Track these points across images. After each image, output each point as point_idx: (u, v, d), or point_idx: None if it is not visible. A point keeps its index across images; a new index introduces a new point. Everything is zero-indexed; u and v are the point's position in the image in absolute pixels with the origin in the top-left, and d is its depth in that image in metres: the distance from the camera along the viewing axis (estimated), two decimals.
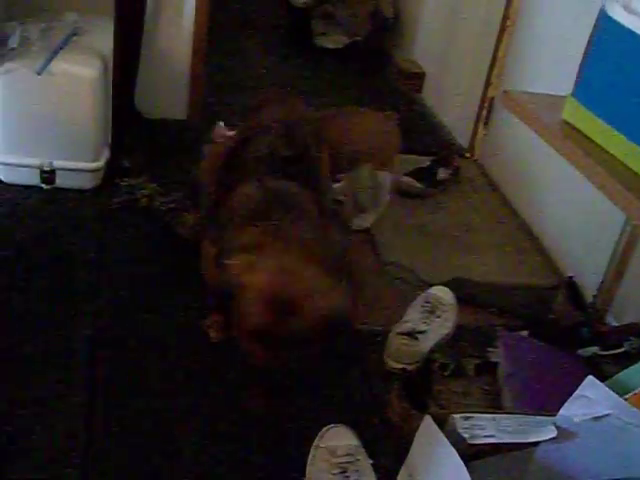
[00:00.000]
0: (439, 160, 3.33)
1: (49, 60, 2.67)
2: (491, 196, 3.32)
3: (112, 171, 2.97)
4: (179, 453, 1.92)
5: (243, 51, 4.62)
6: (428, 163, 3.32)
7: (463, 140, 3.75)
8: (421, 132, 3.91)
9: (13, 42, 2.71)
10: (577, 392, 1.67)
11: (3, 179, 2.86)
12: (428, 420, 1.68)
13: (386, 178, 2.83)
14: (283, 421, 2.06)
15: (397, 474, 1.80)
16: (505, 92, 1.85)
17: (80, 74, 2.73)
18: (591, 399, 1.64)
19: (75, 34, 2.90)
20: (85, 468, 1.84)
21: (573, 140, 1.65)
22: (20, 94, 2.72)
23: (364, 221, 2.88)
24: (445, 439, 1.60)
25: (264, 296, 1.87)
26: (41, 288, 2.40)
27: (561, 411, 1.68)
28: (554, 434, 1.66)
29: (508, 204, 3.25)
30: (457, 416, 1.68)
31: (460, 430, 1.67)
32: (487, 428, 1.69)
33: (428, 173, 3.27)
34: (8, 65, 2.68)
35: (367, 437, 1.97)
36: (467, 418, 1.69)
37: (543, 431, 1.67)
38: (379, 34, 4.83)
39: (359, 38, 4.87)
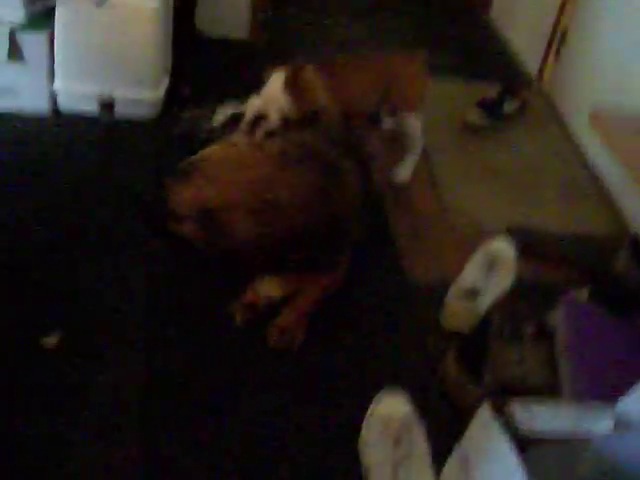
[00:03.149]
0: (506, 91, 3.22)
1: None
2: (558, 132, 3.22)
3: (172, 100, 2.92)
4: (235, 411, 1.95)
5: None
6: (495, 94, 3.21)
7: (532, 66, 3.61)
8: (488, 56, 3.78)
9: None
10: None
11: (63, 108, 2.83)
12: (485, 408, 1.67)
13: (415, 124, 2.74)
14: (339, 378, 2.07)
15: (451, 440, 1.81)
16: (593, 113, 1.73)
17: (140, 5, 2.66)
18: None
19: None
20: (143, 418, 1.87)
21: None
22: (79, 23, 2.67)
23: (403, 170, 2.79)
24: (502, 433, 1.59)
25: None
26: (99, 224, 2.41)
27: (621, 403, 1.66)
28: (612, 426, 1.64)
29: (575, 142, 3.15)
30: (515, 404, 1.67)
31: (517, 418, 1.66)
32: (545, 417, 1.68)
33: (494, 105, 3.17)
34: None
35: (422, 398, 1.97)
36: (525, 406, 1.68)
37: (601, 423, 1.65)
38: None
39: None
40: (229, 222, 1.85)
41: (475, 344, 2.14)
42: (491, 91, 3.26)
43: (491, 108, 3.15)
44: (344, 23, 3.90)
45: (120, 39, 2.69)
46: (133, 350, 2.03)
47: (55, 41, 2.69)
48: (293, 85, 2.46)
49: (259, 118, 2.36)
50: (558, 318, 2.20)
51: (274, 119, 2.38)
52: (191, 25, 3.21)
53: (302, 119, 2.36)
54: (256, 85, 3.02)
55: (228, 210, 1.85)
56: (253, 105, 2.41)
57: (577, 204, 2.84)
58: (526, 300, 2.36)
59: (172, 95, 2.95)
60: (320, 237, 1.91)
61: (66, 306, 2.12)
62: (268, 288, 2.09)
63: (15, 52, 2.69)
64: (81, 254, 2.30)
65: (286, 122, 2.38)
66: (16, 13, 2.66)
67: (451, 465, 1.76)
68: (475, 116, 3.13)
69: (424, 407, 1.96)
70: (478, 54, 3.75)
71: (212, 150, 2.04)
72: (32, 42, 2.69)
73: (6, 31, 2.65)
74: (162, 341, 2.08)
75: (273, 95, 2.45)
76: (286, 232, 1.85)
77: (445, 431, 1.87)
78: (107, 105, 2.80)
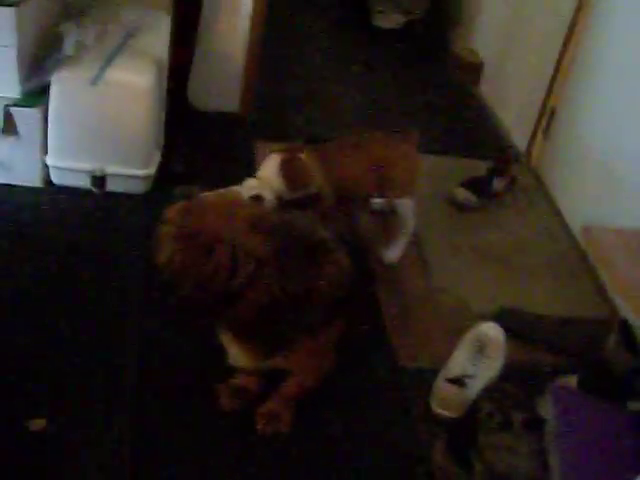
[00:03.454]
0: (494, 170, 3.25)
1: (103, 69, 2.64)
2: (546, 210, 3.24)
3: (164, 175, 2.94)
4: None
5: (297, 30, 4.53)
6: (483, 172, 3.24)
7: (520, 141, 3.65)
8: (476, 130, 3.82)
9: (68, 49, 2.67)
10: None
11: (55, 181, 2.85)
12: None
13: (407, 206, 2.76)
14: (325, 463, 2.05)
15: None
16: (586, 228, 1.74)
17: (134, 83, 2.69)
18: None
19: (130, 36, 2.85)
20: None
21: None
22: (73, 101, 2.69)
23: (393, 252, 2.79)
24: None
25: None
26: (86, 305, 2.41)
27: None
28: None
29: (563, 220, 3.17)
30: None
31: None
32: None
33: (483, 184, 3.20)
34: (63, 73, 2.65)
35: None
36: None
37: None
38: (438, 15, 4.70)
39: (416, 16, 4.74)
40: (160, 237, 1.87)
41: (464, 432, 2.13)
42: (479, 168, 3.29)
43: (480, 186, 3.18)
44: (335, 93, 3.95)
45: (113, 116, 2.71)
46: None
47: (49, 117, 2.71)
48: (288, 167, 2.48)
49: (255, 200, 2.37)
50: (547, 406, 2.19)
51: (269, 201, 2.39)
52: (183, 100, 3.24)
53: (297, 200, 2.39)
54: (247, 159, 3.07)
55: (165, 227, 1.87)
56: (249, 187, 2.43)
57: (566, 285, 2.85)
58: (516, 385, 2.36)
59: (164, 170, 2.96)
60: (280, 312, 1.90)
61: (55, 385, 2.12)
62: (236, 354, 2.07)
63: (9, 127, 2.71)
64: (69, 323, 2.32)
65: (282, 204, 2.40)
66: (11, 89, 2.68)
67: None
68: (463, 194, 3.15)
69: None
70: (466, 128, 3.79)
71: (212, 193, 2.10)
72: (26, 117, 2.71)
73: (1, 106, 2.67)
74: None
75: (269, 177, 2.47)
76: (217, 287, 1.84)
77: None
78: (99, 180, 2.81)
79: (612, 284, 1.67)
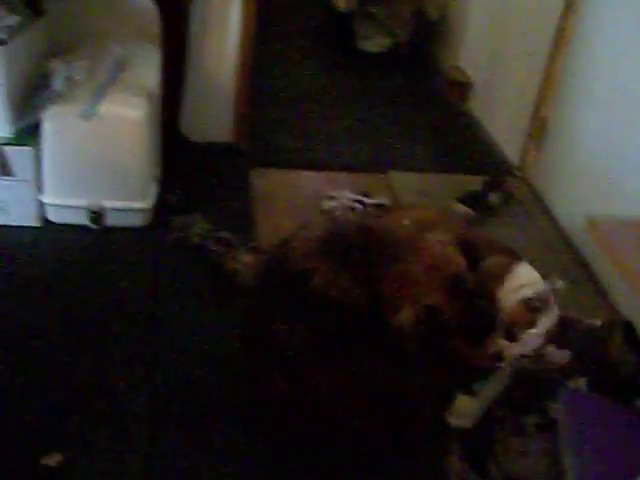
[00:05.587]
0: (490, 184, 3.26)
1: (95, 103, 2.65)
2: (543, 221, 3.24)
3: (163, 208, 2.94)
4: None
5: (284, 57, 4.57)
6: (479, 188, 3.25)
7: (514, 156, 3.66)
8: (469, 147, 3.83)
9: (58, 85, 2.68)
10: None
11: (52, 219, 2.84)
12: None
13: None
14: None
15: None
16: (589, 219, 1.73)
17: (127, 116, 2.70)
18: None
19: (120, 69, 2.86)
20: None
21: None
22: (66, 137, 2.70)
23: None
24: None
25: None
26: (94, 341, 2.39)
27: None
28: None
29: (561, 230, 3.17)
30: None
31: None
32: None
33: (479, 198, 3.20)
34: (54, 109, 2.66)
35: None
36: None
37: None
38: (423, 37, 4.74)
39: (402, 38, 4.76)
40: None
41: (479, 438, 2.13)
42: (474, 184, 3.30)
43: (476, 201, 3.18)
44: (324, 116, 3.98)
45: (108, 150, 2.72)
46: None
47: (43, 155, 2.71)
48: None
49: None
50: (559, 409, 2.19)
51: None
52: (176, 132, 3.25)
53: None
54: (243, 188, 3.06)
55: None
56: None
57: (568, 292, 2.84)
58: (526, 390, 2.35)
59: (162, 203, 2.96)
60: None
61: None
62: None
63: (3, 167, 2.71)
64: (75, 358, 2.32)
65: None
66: (2, 128, 2.69)
67: None
68: (461, 209, 3.15)
69: None
70: (458, 145, 3.81)
71: None
72: (20, 157, 2.71)
73: None
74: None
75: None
76: None
77: None
78: (97, 216, 2.81)
79: (619, 273, 1.65)
